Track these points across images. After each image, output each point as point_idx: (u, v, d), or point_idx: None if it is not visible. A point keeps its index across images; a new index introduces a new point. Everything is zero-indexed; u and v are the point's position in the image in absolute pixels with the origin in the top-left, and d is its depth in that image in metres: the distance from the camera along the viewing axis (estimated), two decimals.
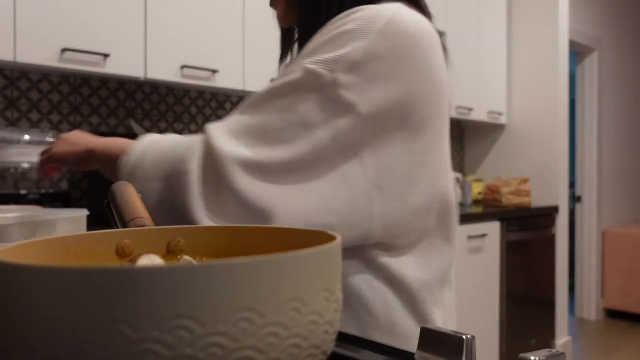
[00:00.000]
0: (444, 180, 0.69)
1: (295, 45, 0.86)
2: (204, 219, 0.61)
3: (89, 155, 0.77)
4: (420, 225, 0.68)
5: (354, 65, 0.61)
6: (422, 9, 0.76)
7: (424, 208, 0.67)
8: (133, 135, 0.78)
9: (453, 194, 0.71)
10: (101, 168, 0.77)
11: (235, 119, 0.64)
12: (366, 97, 0.61)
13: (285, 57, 0.86)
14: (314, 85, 0.61)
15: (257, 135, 0.62)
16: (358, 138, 0.62)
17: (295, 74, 0.63)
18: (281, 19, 0.80)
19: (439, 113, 0.68)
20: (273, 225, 0.60)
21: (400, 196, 0.64)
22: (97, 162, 0.77)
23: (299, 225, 0.60)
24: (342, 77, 0.61)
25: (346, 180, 0.62)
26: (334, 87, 0.61)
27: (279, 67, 0.87)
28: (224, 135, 0.62)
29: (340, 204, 0.62)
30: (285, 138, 0.61)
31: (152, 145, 0.67)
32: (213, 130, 0.63)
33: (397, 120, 0.63)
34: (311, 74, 0.62)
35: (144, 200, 0.60)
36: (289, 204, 0.60)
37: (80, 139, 0.80)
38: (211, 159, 0.61)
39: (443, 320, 0.72)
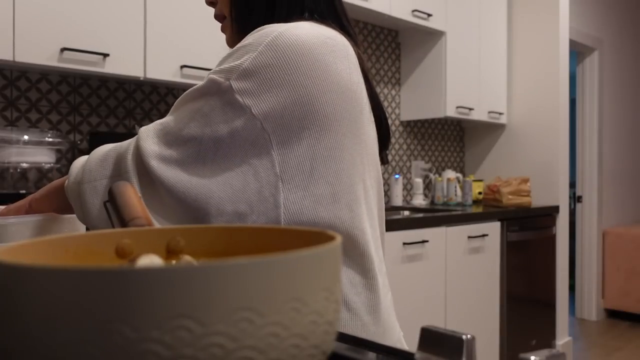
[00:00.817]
0: (352, 174, 0.78)
1: None
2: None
3: (31, 202, 0.86)
4: (331, 214, 0.76)
5: (246, 73, 0.72)
6: (345, 29, 0.86)
7: (330, 197, 0.76)
8: None
9: (364, 189, 0.80)
10: (50, 205, 0.86)
11: (160, 121, 0.77)
12: (259, 100, 0.72)
13: None
14: (216, 91, 0.73)
15: (173, 133, 0.74)
16: (260, 136, 0.72)
17: (202, 82, 0.75)
18: (227, 42, 0.91)
19: (346, 114, 0.77)
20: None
21: (304, 187, 0.74)
22: (43, 202, 0.86)
23: (213, 212, 0.72)
24: (237, 84, 0.72)
25: (256, 173, 0.73)
26: (231, 93, 0.72)
27: None
28: (150, 136, 0.75)
29: (250, 194, 0.73)
30: (193, 135, 0.73)
31: (94, 152, 0.79)
32: (142, 132, 0.75)
33: (298, 120, 0.73)
34: (213, 82, 0.73)
35: (93, 198, 0.75)
36: (203, 195, 0.72)
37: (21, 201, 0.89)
38: (139, 157, 0.74)
39: (368, 309, 0.79)
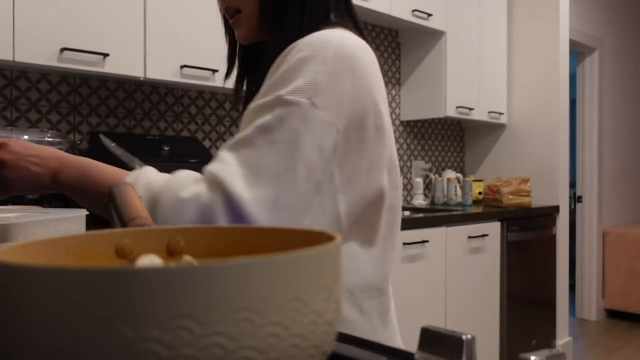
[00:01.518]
0: (392, 182, 0.79)
1: (236, 64, 0.95)
2: None
3: (55, 179, 0.73)
4: (372, 215, 0.77)
5: (324, 87, 0.68)
6: (360, 32, 0.85)
7: (375, 203, 0.77)
8: (105, 151, 0.75)
9: (389, 190, 0.81)
10: (73, 195, 0.75)
11: (235, 159, 0.67)
12: (339, 114, 0.69)
13: (231, 73, 0.95)
14: (297, 114, 0.67)
15: (263, 173, 0.65)
16: (336, 153, 0.70)
17: (277, 108, 0.68)
18: (244, 37, 0.84)
19: (383, 123, 0.76)
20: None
21: (360, 197, 0.74)
22: (67, 189, 0.74)
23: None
24: (318, 100, 0.67)
25: (318, 187, 0.69)
26: (315, 111, 0.67)
27: (224, 82, 0.97)
28: (237, 182, 0.64)
29: (315, 210, 0.69)
30: (287, 167, 0.66)
31: (163, 196, 0.67)
32: (224, 178, 0.65)
33: (356, 132, 0.72)
34: (291, 104, 0.67)
35: None
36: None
37: (41, 161, 0.73)
38: (232, 207, 0.64)
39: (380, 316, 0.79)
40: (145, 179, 0.69)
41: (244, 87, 0.94)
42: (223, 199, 0.64)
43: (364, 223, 0.76)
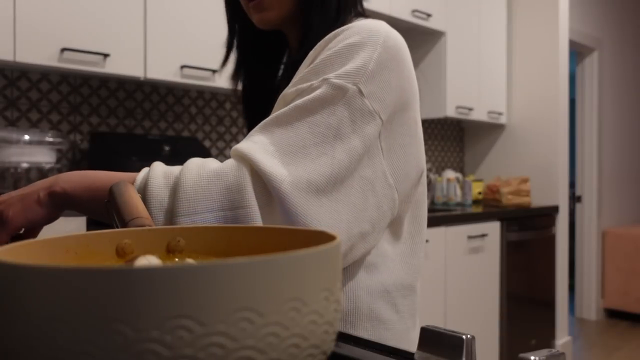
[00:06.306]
0: (422, 165, 0.77)
1: (245, 54, 0.90)
2: None
3: (52, 192, 0.64)
4: (424, 224, 0.79)
5: (371, 75, 0.66)
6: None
7: (423, 206, 0.79)
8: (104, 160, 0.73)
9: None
10: (81, 206, 0.65)
11: (267, 139, 0.63)
12: (383, 104, 0.67)
13: (228, 59, 0.89)
14: (341, 98, 0.65)
15: (298, 153, 0.62)
16: (375, 144, 0.67)
17: (320, 90, 0.65)
18: (270, 21, 0.78)
19: (418, 118, 0.76)
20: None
21: (405, 191, 0.72)
22: (64, 200, 0.65)
23: (342, 237, 0.63)
24: (365, 88, 0.65)
25: (373, 187, 0.67)
26: (360, 98, 0.65)
27: (221, 68, 0.89)
28: (269, 158, 0.61)
29: (372, 212, 0.67)
30: (324, 151, 0.63)
31: (183, 181, 0.61)
32: (255, 154, 0.61)
33: (399, 126, 0.70)
34: (337, 88, 0.65)
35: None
36: (334, 220, 0.63)
37: (30, 187, 0.65)
38: (264, 186, 0.61)
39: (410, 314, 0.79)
40: (160, 167, 0.65)
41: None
42: (252, 176, 0.61)
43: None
